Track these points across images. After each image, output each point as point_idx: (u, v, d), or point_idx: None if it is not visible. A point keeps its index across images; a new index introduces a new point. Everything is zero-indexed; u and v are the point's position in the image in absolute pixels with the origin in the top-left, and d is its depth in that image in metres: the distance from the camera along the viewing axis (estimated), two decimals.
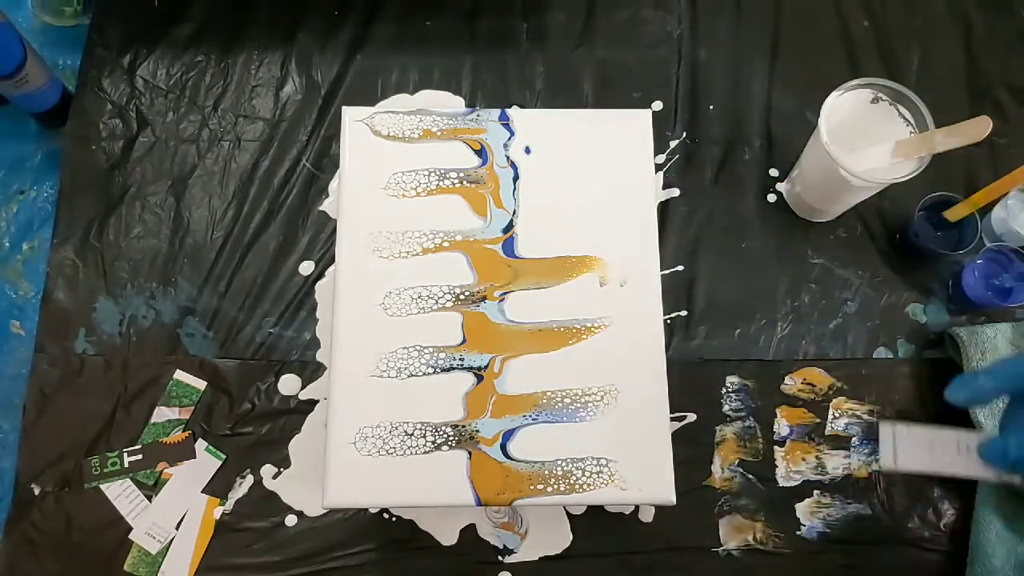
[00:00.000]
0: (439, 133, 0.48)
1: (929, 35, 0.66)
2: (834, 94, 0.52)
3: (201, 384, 0.56)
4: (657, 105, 0.64)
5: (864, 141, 0.52)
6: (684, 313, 0.59)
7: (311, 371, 0.57)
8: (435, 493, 0.42)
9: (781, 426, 0.56)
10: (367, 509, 0.54)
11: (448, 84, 0.64)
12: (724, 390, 0.57)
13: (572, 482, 0.42)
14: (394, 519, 0.54)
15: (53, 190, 0.64)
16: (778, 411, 0.57)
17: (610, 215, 0.47)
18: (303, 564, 0.53)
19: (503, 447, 0.42)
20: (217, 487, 0.54)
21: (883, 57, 0.65)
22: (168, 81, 0.64)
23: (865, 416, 0.57)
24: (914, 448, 0.42)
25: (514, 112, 0.49)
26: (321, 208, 0.61)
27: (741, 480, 0.55)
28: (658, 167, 0.62)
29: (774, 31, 0.66)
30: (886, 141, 0.52)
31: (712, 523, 0.55)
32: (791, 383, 0.57)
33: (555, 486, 0.42)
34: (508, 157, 0.48)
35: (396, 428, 0.42)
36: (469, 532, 0.54)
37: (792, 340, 0.58)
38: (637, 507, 0.54)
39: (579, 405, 0.43)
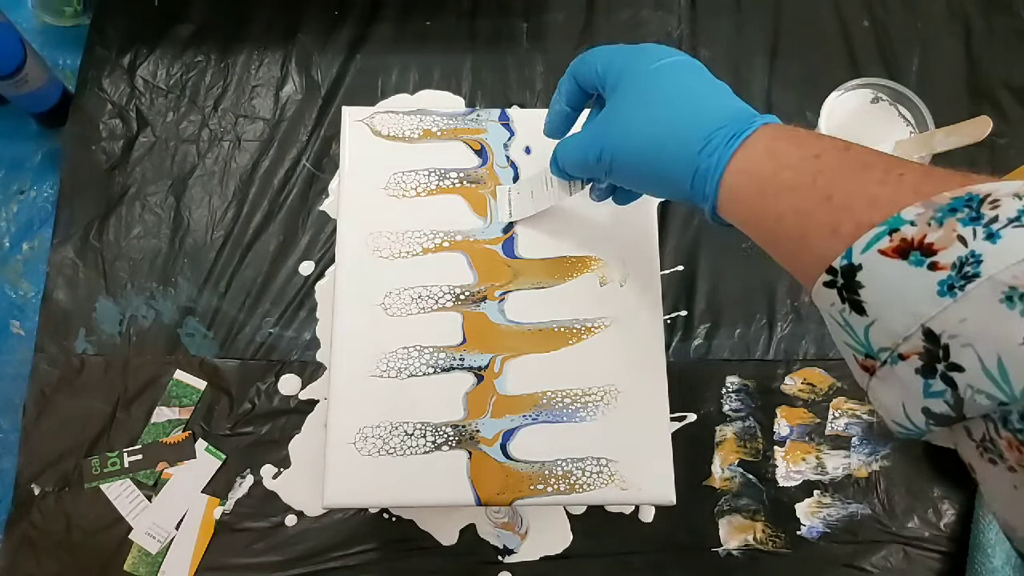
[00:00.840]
0: (439, 133, 0.48)
1: (929, 35, 0.66)
2: (834, 94, 0.52)
3: (201, 384, 0.56)
4: None
5: (864, 141, 0.52)
6: (684, 313, 0.59)
7: (311, 371, 0.57)
8: (435, 493, 0.42)
9: (781, 426, 0.57)
10: (367, 509, 0.54)
11: (448, 84, 0.64)
12: (724, 390, 0.57)
13: (572, 482, 0.42)
14: (394, 519, 0.54)
15: (53, 190, 0.64)
16: (778, 411, 0.57)
17: (610, 215, 0.47)
18: (303, 564, 0.53)
19: (503, 447, 0.42)
20: (217, 487, 0.54)
21: (883, 57, 0.65)
22: (168, 81, 0.64)
23: (865, 416, 0.57)
24: (523, 199, 0.45)
25: (514, 112, 0.49)
26: (321, 208, 0.61)
27: (741, 480, 0.55)
28: None
29: (774, 31, 0.66)
30: (886, 141, 0.52)
31: (712, 523, 0.55)
32: (791, 383, 0.57)
33: (555, 486, 0.42)
34: (508, 157, 0.48)
35: (396, 428, 0.42)
36: (469, 532, 0.54)
37: (792, 340, 0.58)
38: (637, 507, 0.54)
39: (579, 405, 0.43)
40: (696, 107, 0.33)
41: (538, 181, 0.44)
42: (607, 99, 0.37)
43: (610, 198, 0.42)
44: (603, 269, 0.46)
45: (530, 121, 0.49)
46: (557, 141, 0.41)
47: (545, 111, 0.48)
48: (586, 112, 0.42)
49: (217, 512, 0.54)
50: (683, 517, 0.54)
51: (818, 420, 0.57)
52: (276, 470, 0.55)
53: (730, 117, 0.32)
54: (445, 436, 0.42)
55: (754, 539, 0.54)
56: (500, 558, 0.53)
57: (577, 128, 0.41)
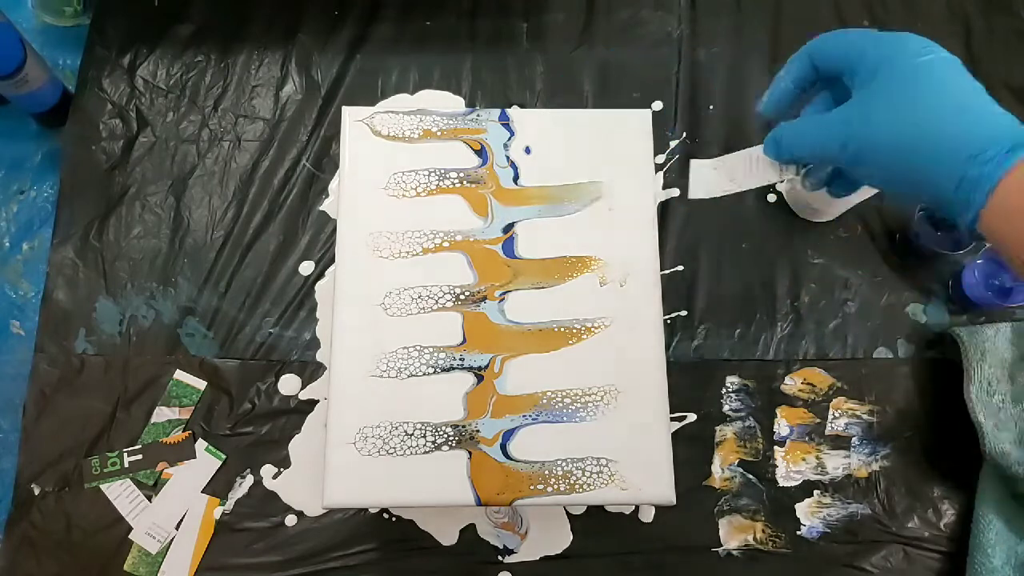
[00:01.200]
0: (439, 133, 0.48)
1: (929, 35, 0.65)
2: None
3: (201, 384, 0.56)
4: (657, 105, 0.64)
5: None
6: (684, 313, 0.59)
7: (311, 371, 0.57)
8: (435, 493, 0.42)
9: (781, 426, 0.57)
10: (367, 509, 0.54)
11: (448, 84, 0.64)
12: (724, 390, 0.57)
13: (572, 482, 0.42)
14: (394, 519, 0.54)
15: (53, 190, 0.64)
16: (778, 411, 0.57)
17: (610, 215, 0.47)
18: (303, 564, 0.53)
19: (503, 447, 0.42)
20: (217, 487, 0.54)
21: None
22: (168, 81, 0.64)
23: (865, 416, 0.57)
24: (720, 176, 0.43)
25: (514, 112, 0.49)
26: (321, 208, 0.61)
27: (741, 480, 0.55)
28: (658, 167, 0.62)
29: (774, 31, 0.66)
30: None
31: (712, 523, 0.55)
32: (791, 383, 0.57)
33: (555, 486, 0.42)
34: (508, 157, 0.48)
35: (396, 428, 0.42)
36: (469, 532, 0.54)
37: (792, 340, 0.58)
38: (637, 507, 0.54)
39: (579, 405, 0.43)
40: (967, 111, 0.32)
41: (739, 160, 0.42)
42: (856, 88, 0.35)
43: (824, 188, 0.40)
44: (603, 269, 0.46)
45: (530, 121, 0.49)
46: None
47: (546, 111, 0.48)
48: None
49: (217, 512, 0.54)
50: (683, 517, 0.54)
51: (818, 420, 0.57)
52: (276, 470, 0.55)
53: (1006, 125, 0.31)
54: (445, 436, 0.42)
55: (754, 539, 0.54)
56: (500, 558, 0.53)
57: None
